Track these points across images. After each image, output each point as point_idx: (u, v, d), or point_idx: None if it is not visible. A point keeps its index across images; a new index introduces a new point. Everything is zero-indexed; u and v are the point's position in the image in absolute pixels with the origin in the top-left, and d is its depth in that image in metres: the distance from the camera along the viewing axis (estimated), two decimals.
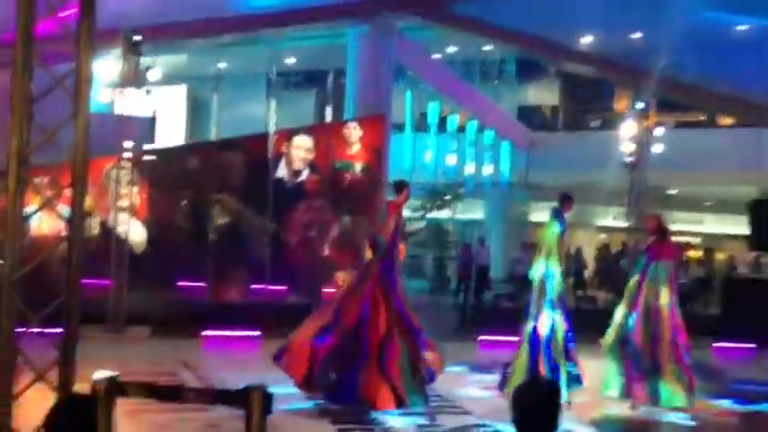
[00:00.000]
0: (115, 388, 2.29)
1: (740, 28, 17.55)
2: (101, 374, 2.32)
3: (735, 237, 22.61)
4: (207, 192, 14.29)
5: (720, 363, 11.47)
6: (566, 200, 8.09)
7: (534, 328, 7.83)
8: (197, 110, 24.04)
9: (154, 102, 14.14)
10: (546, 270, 7.81)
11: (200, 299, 13.36)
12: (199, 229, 14.25)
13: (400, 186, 7.74)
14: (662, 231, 8.39)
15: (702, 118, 21.61)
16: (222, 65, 20.69)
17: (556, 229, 7.85)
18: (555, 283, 7.85)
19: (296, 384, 7.21)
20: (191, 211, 14.74)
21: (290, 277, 14.30)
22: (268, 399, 2.12)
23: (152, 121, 16.03)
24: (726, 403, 8.79)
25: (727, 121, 20.86)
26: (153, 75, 12.52)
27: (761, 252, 17.05)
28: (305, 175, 14.89)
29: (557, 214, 7.99)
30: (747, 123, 18.51)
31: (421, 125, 22.76)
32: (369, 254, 7.29)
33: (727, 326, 13.27)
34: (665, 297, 8.05)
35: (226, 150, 14.96)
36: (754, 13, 16.91)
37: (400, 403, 6.92)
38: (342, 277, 15.10)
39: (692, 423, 7.86)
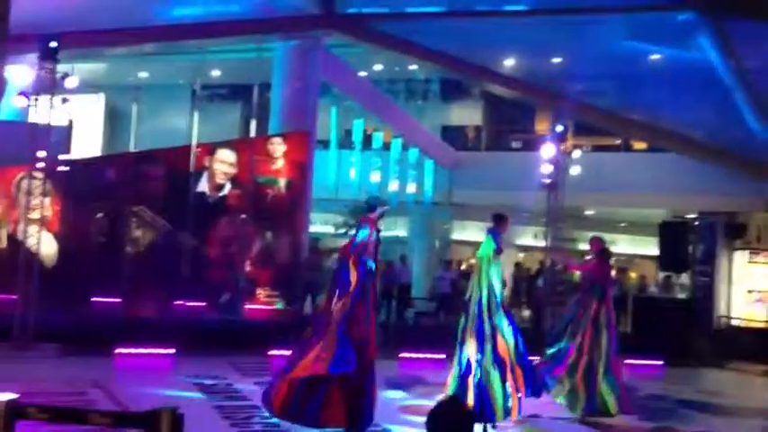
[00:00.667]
0: (15, 410, 2.16)
1: (653, 57, 18.33)
2: (0, 396, 2.18)
3: (646, 257, 23.53)
4: (124, 205, 13.88)
5: (630, 379, 11.83)
6: (501, 220, 8.16)
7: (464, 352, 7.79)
8: (115, 120, 23.38)
9: (70, 111, 13.67)
10: (483, 292, 7.79)
11: (113, 315, 12.92)
12: (114, 242, 13.81)
13: (373, 205, 7.46)
14: (604, 253, 9.32)
15: (618, 142, 22.43)
16: (143, 74, 20.20)
17: (491, 248, 7.90)
18: (497, 302, 7.83)
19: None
20: (106, 225, 14.29)
21: (208, 294, 14.00)
22: (178, 420, 2.04)
23: (68, 130, 15.46)
24: (633, 419, 9.06)
25: (641, 145, 21.71)
26: (70, 82, 12.10)
27: (669, 272, 17.78)
28: (227, 189, 14.67)
29: (493, 234, 8.05)
30: (659, 148, 19.30)
31: (346, 142, 22.79)
32: (353, 276, 6.81)
33: (637, 343, 13.75)
34: (603, 315, 8.90)
35: (145, 162, 14.59)
36: (666, 43, 17.70)
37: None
38: (264, 294, 14.90)
39: None
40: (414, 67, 20.66)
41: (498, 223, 8.12)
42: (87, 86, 18.35)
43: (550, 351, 9.20)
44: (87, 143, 21.21)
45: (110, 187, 14.18)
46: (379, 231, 7.26)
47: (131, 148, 17.09)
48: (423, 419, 7.81)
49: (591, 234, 26.05)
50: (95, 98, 23.09)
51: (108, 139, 23.58)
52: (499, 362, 7.68)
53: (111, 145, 22.93)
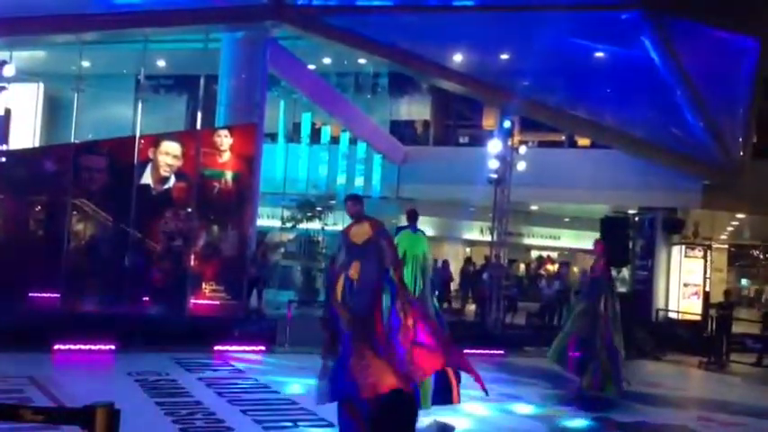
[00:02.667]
0: None
1: (598, 55, 18.68)
2: None
3: (589, 252, 24.01)
4: (63, 197, 13.49)
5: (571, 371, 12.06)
6: (416, 215, 8.64)
7: None
8: (55, 110, 22.71)
9: (7, 100, 13.25)
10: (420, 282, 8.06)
11: (52, 310, 12.57)
12: (53, 236, 13.42)
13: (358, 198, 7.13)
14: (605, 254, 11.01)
15: (562, 138, 22.81)
16: (85, 63, 19.65)
17: (425, 242, 8.28)
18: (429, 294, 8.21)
19: None
20: (45, 218, 13.88)
21: (151, 288, 13.73)
22: (114, 416, 1.98)
23: (5, 119, 14.96)
24: (573, 410, 9.25)
25: (585, 141, 22.11)
26: (7, 70, 11.73)
27: (610, 266, 18.14)
28: (172, 182, 14.39)
29: (415, 229, 8.41)
30: (602, 145, 19.69)
31: (294, 136, 22.63)
32: (339, 290, 6.54)
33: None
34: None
35: (86, 153, 14.19)
36: (611, 41, 18.07)
37: None
38: (209, 288, 14.68)
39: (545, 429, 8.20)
40: (363, 60, 20.62)
41: (416, 219, 8.54)
42: (25, 75, 17.79)
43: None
44: (25, 133, 20.59)
45: (49, 179, 13.76)
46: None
47: (72, 139, 16.59)
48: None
49: (536, 228, 26.40)
50: (34, 87, 22.39)
51: (47, 130, 22.91)
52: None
53: (51, 135, 22.29)
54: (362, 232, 6.65)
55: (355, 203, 6.84)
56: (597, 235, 18.40)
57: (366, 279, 6.48)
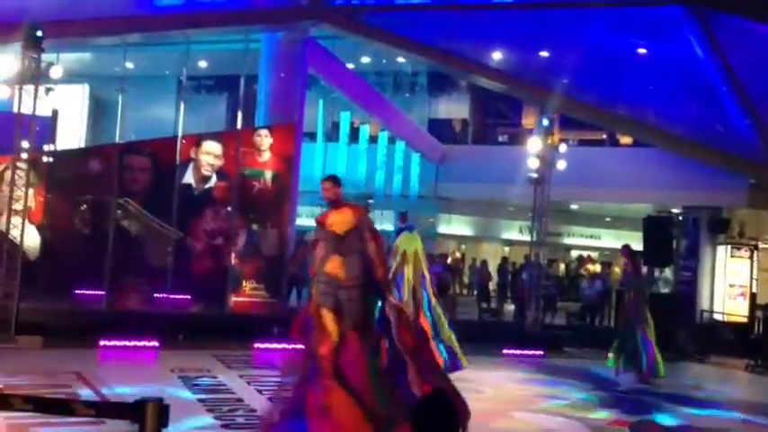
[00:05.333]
0: None
1: (639, 52, 18.39)
2: None
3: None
4: (108, 196, 13.77)
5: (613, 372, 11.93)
6: (404, 215, 9.82)
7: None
8: (100, 111, 23.19)
9: (54, 101, 13.55)
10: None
11: (97, 307, 12.84)
12: (98, 235, 13.70)
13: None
14: (633, 255, 12.57)
15: (603, 137, 22.52)
16: (129, 65, 20.02)
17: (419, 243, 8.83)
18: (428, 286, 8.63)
19: None
20: (90, 217, 14.18)
21: (193, 287, 13.93)
22: (163, 411, 2.02)
23: (52, 120, 15.31)
24: (616, 412, 9.13)
25: (627, 140, 21.80)
26: (54, 72, 11.99)
27: (653, 267, 17.89)
28: (213, 181, 14.59)
29: (410, 227, 8.73)
30: (644, 143, 19.38)
31: (332, 135, 22.73)
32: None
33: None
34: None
35: (130, 154, 14.47)
36: (653, 38, 17.77)
37: None
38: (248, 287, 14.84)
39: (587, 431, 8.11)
40: (401, 59, 20.63)
41: (405, 220, 9.17)
42: (72, 76, 18.17)
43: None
44: (72, 134, 21.04)
45: (94, 178, 14.06)
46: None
47: (116, 139, 16.92)
48: None
49: (575, 228, 26.14)
50: (80, 88, 22.88)
51: (92, 130, 23.39)
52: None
53: (96, 136, 22.74)
54: (343, 220, 5.76)
55: (334, 185, 5.86)
56: (639, 235, 18.19)
57: (352, 276, 5.60)
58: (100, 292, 13.13)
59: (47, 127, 14.63)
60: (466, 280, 24.99)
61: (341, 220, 5.73)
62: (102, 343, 10.31)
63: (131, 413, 2.02)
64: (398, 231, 9.59)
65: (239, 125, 16.76)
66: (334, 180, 5.89)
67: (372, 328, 5.66)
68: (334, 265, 5.67)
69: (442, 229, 24.75)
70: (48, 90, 11.85)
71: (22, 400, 2.25)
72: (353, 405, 5.36)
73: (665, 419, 8.95)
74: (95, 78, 22.21)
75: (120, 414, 2.16)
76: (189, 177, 14.35)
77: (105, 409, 2.33)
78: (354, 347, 5.57)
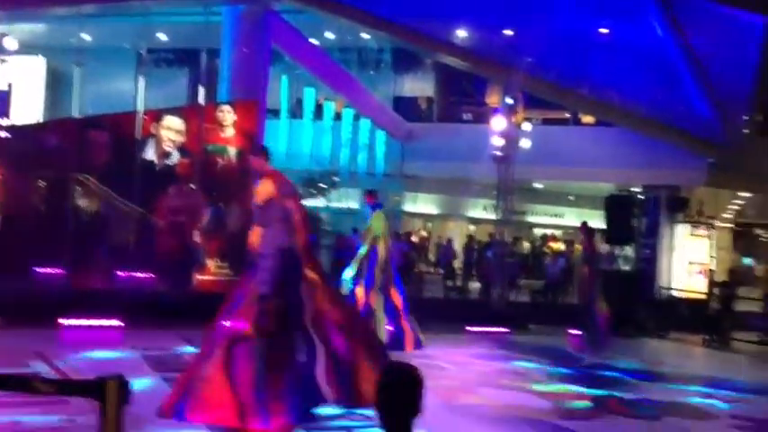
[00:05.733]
0: None
1: (602, 31, 18.51)
2: None
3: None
4: (67, 172, 13.44)
5: (574, 348, 12.12)
6: (375, 193, 10.58)
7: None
8: (57, 84, 22.61)
9: (9, 74, 13.16)
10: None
11: (57, 286, 12.58)
12: (57, 212, 13.40)
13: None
14: (590, 232, 12.58)
15: (567, 116, 22.68)
16: (86, 36, 19.51)
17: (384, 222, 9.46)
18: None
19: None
20: (48, 193, 13.84)
21: (156, 265, 13.73)
22: (125, 388, 1.97)
23: (6, 94, 14.88)
24: (579, 388, 9.27)
25: (589, 119, 22.00)
26: (9, 44, 11.64)
27: (614, 245, 18.17)
28: (175, 157, 14.33)
29: (379, 206, 10.02)
30: (606, 123, 19.58)
31: (297, 111, 22.52)
32: None
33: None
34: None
35: (89, 128, 14.13)
36: (616, 18, 17.90)
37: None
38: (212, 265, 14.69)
39: (550, 406, 8.22)
40: (366, 36, 20.45)
41: (376, 198, 10.20)
42: (27, 48, 17.67)
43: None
44: (27, 108, 20.49)
45: (52, 154, 13.71)
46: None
47: (74, 114, 16.51)
48: None
49: (539, 207, 26.43)
50: (35, 60, 22.26)
51: (49, 104, 22.81)
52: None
53: (53, 110, 22.20)
54: (264, 190, 5.71)
55: (256, 156, 5.90)
56: (601, 213, 18.44)
57: (267, 248, 5.48)
58: (60, 271, 12.87)
59: (1, 101, 14.23)
60: (432, 258, 25.10)
61: (261, 191, 5.72)
62: (62, 322, 10.10)
63: (93, 390, 1.96)
64: (373, 208, 9.95)
65: (201, 100, 16.47)
66: (254, 151, 6.01)
67: (290, 303, 5.58)
68: (254, 237, 5.67)
69: (408, 207, 24.78)
70: (2, 61, 11.49)
71: None
72: (226, 383, 5.36)
73: (625, 394, 9.11)
74: (52, 50, 21.63)
75: (82, 391, 2.10)
76: (150, 153, 14.09)
77: (66, 386, 2.26)
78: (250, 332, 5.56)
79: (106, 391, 1.95)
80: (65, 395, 2.21)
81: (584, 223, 12.90)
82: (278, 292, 5.52)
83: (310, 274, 5.72)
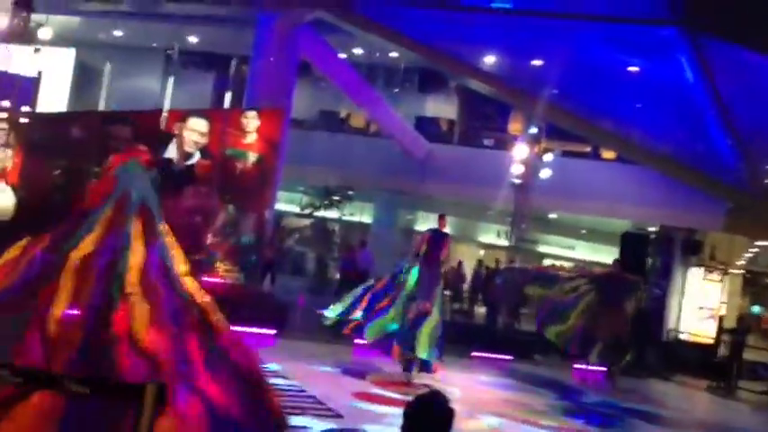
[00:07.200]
0: None
1: (631, 69, 18.51)
2: None
3: (603, 265, 23.85)
4: (86, 164, 13.48)
5: (580, 385, 12.03)
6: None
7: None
8: (85, 77, 22.76)
9: (40, 63, 13.28)
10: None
11: None
12: (70, 201, 13.43)
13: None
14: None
15: (588, 149, 22.62)
16: (118, 33, 19.70)
17: None
18: None
19: None
20: (65, 183, 13.88)
21: None
22: (162, 393, 1.96)
23: (36, 81, 14.99)
24: (581, 423, 9.20)
25: (610, 155, 21.93)
26: (43, 33, 11.76)
27: None
28: (195, 158, 14.36)
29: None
30: (627, 159, 19.50)
31: (319, 123, 22.59)
32: None
33: (585, 350, 13.89)
34: None
35: (112, 123, 14.18)
36: (645, 56, 17.89)
37: None
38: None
39: None
40: (394, 54, 20.54)
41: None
42: (59, 39, 17.85)
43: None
44: (54, 98, 20.64)
45: (74, 145, 13.77)
46: None
47: (100, 108, 16.63)
48: (375, 406, 7.91)
49: (552, 237, 26.31)
50: (66, 52, 22.45)
51: (75, 96, 22.96)
52: None
53: (80, 102, 22.35)
54: None
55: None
56: (612, 249, 18.33)
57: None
58: None
59: (30, 88, 14.33)
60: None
61: None
62: None
63: (130, 393, 1.95)
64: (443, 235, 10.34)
65: (227, 105, 16.58)
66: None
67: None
68: None
69: (420, 226, 24.70)
70: (36, 50, 11.61)
71: (9, 372, 2.16)
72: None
73: None
74: (83, 44, 21.82)
75: (118, 393, 2.08)
76: (171, 152, 14.11)
77: (99, 387, 2.24)
78: None
79: (145, 395, 1.94)
80: (98, 396, 2.19)
81: (617, 260, 13.61)
82: None
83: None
